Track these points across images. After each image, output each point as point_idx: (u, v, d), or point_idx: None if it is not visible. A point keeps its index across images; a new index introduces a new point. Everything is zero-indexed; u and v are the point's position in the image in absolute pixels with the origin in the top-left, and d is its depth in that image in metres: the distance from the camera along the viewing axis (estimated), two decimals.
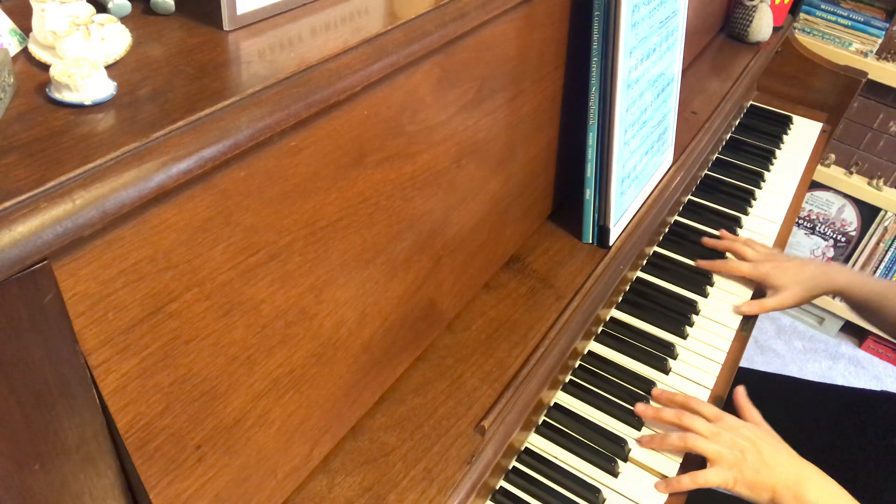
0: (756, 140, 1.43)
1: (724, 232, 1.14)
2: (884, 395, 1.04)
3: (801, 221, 1.98)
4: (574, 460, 0.82)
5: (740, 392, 0.88)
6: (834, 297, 1.96)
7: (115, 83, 0.43)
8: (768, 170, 1.35)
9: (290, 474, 0.61)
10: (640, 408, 0.85)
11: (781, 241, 1.21)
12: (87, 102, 0.41)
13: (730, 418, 0.80)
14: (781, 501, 0.74)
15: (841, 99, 1.52)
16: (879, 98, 1.73)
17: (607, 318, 0.99)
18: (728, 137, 1.43)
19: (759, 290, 1.07)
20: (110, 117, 0.41)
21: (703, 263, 1.09)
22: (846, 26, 1.70)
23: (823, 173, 1.85)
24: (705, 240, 1.13)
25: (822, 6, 1.72)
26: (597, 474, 0.81)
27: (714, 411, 0.81)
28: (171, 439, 0.47)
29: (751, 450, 0.76)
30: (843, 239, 1.94)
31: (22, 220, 0.33)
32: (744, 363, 0.88)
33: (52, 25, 0.43)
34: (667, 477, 0.80)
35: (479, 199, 0.77)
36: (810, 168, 1.40)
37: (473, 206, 0.77)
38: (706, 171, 1.33)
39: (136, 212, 0.40)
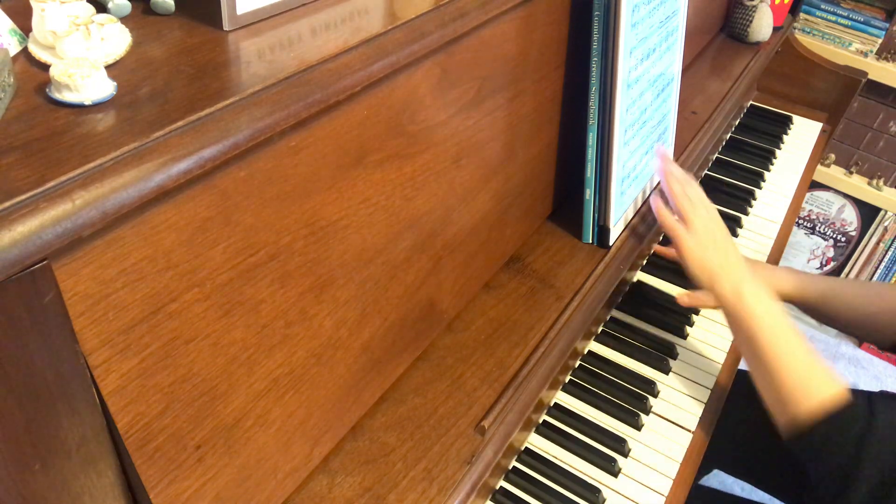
0: (756, 140, 1.43)
1: None
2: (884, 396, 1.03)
3: (801, 221, 1.98)
4: (574, 460, 0.82)
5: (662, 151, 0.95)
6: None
7: (115, 83, 0.43)
8: (768, 170, 1.35)
9: (290, 474, 0.61)
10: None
11: (781, 241, 1.21)
12: (87, 102, 0.41)
13: (710, 205, 0.88)
14: (718, 288, 0.80)
15: (841, 99, 1.52)
16: (879, 98, 1.73)
17: (607, 318, 0.99)
18: (728, 137, 1.43)
19: None
20: (110, 117, 0.41)
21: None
22: (846, 26, 1.70)
23: (823, 173, 1.85)
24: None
25: (822, 6, 1.72)
26: (597, 474, 0.81)
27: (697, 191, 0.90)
28: (171, 439, 0.47)
29: (719, 233, 0.85)
30: (843, 239, 1.94)
31: (22, 220, 0.33)
32: (743, 364, 0.88)
33: (52, 25, 0.43)
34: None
35: (479, 199, 0.77)
36: (810, 168, 1.40)
37: (473, 206, 0.77)
38: (706, 172, 1.33)
39: (136, 212, 0.40)
